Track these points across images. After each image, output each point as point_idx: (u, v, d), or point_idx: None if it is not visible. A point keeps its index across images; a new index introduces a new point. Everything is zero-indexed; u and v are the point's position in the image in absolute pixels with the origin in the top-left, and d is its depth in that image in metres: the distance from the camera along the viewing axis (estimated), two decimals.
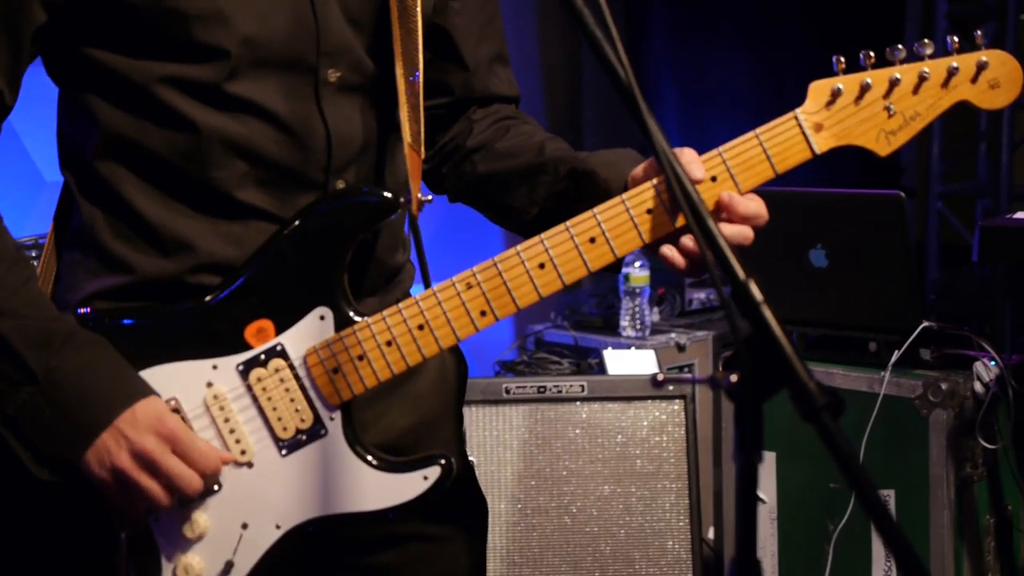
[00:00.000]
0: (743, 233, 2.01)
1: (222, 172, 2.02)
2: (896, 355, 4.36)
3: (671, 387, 4.38)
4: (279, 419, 2.07)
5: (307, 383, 2.07)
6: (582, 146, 6.95)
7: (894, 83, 2.00)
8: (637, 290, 5.61)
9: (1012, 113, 7.17)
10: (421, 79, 2.10)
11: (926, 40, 1.98)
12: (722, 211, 2.02)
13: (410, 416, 2.20)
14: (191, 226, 2.04)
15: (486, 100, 2.26)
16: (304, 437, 2.08)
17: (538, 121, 2.34)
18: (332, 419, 2.08)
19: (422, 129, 2.13)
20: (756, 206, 2.02)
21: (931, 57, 1.98)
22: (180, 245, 2.04)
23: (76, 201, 2.09)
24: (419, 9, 2.09)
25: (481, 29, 2.24)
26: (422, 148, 2.14)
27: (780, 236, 4.55)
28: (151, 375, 2.04)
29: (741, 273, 1.65)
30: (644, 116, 1.73)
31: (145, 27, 1.95)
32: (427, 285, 2.12)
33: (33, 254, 4.04)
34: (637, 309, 5.60)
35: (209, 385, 2.06)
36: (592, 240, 2.03)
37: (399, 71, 2.07)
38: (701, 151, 7.28)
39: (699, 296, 5.98)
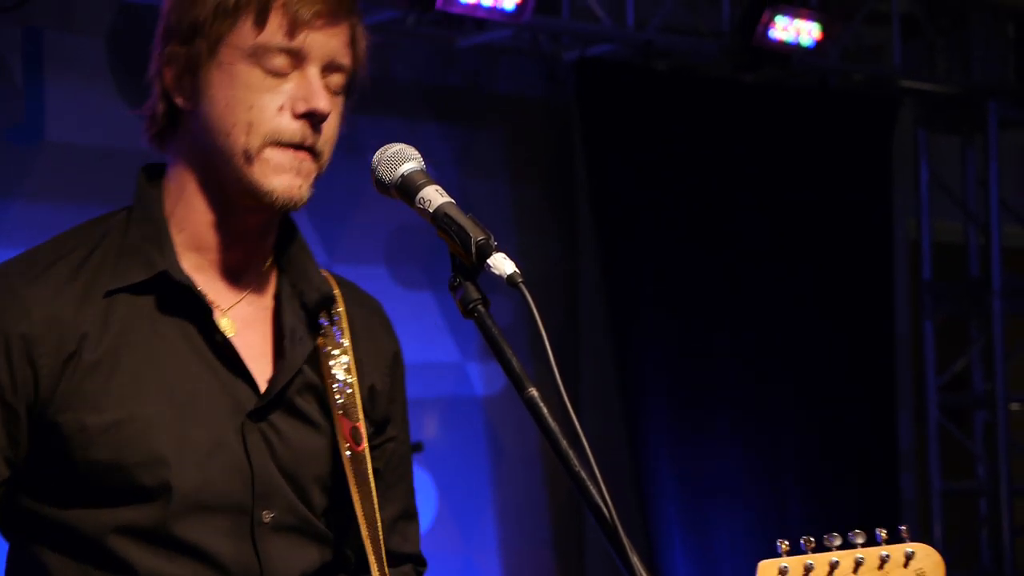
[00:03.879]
0: None
1: None
2: None
3: None
4: None
5: None
6: None
7: (834, 566, 2.16)
8: None
9: (1011, 499, 7.22)
10: (381, 536, 2.19)
11: (857, 530, 2.15)
12: None
13: None
14: None
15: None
16: None
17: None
18: None
19: None
20: None
21: (863, 545, 2.17)
22: None
23: None
24: (371, 475, 2.18)
25: (387, 491, 2.30)
26: None
27: None
28: None
29: None
30: (627, 553, 1.81)
31: (90, 481, 2.04)
32: None
33: None
34: None
35: None
36: None
37: (364, 531, 2.15)
38: (702, 545, 7.22)
39: None
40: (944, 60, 7.39)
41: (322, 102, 2.06)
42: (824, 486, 7.07)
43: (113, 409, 2.03)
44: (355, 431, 2.18)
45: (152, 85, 2.12)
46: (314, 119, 2.07)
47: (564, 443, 1.88)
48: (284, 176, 2.07)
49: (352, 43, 2.11)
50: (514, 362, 1.93)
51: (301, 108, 2.06)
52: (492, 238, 1.97)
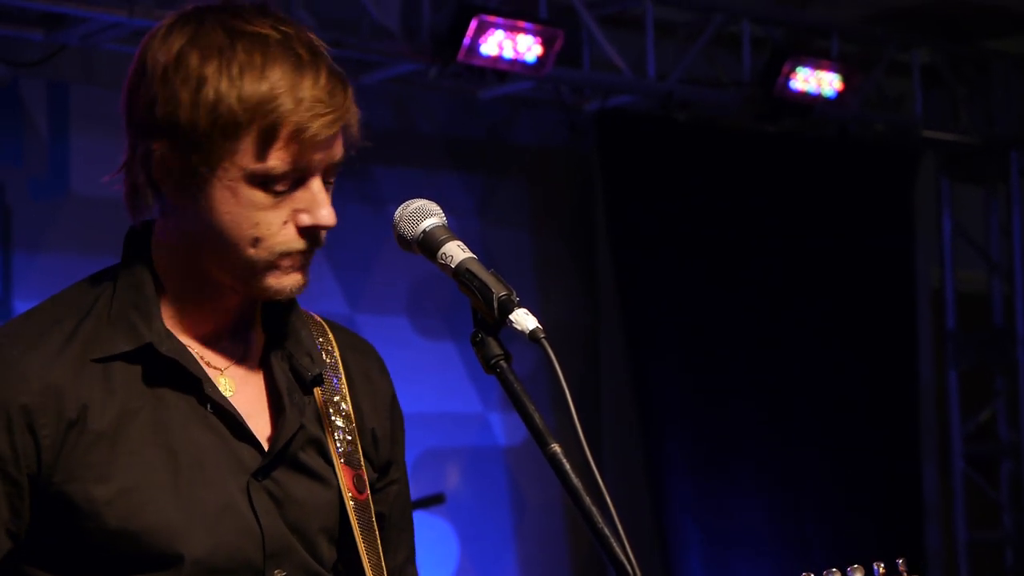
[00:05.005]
0: None
1: None
2: None
3: None
4: None
5: None
6: None
7: None
8: None
9: None
10: None
11: (856, 564, 2.10)
12: None
13: None
14: None
15: None
16: None
17: None
18: None
19: None
20: None
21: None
22: None
23: None
24: (374, 522, 2.16)
25: (396, 536, 2.29)
26: None
27: None
28: None
29: None
30: None
31: (99, 550, 2.01)
32: None
33: None
34: None
35: None
36: None
37: None
38: None
39: None
40: (966, 110, 7.39)
41: (326, 216, 2.02)
42: (848, 536, 7.02)
43: (120, 478, 2.01)
44: (358, 479, 2.16)
45: (129, 161, 2.05)
46: (318, 231, 2.04)
47: (587, 500, 1.87)
48: (291, 277, 2.05)
49: (346, 136, 2.05)
50: (536, 418, 1.92)
51: (306, 222, 2.02)
52: (514, 294, 1.96)
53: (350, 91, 2.03)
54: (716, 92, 6.80)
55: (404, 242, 2.06)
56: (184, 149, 1.98)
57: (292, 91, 1.96)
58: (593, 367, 6.96)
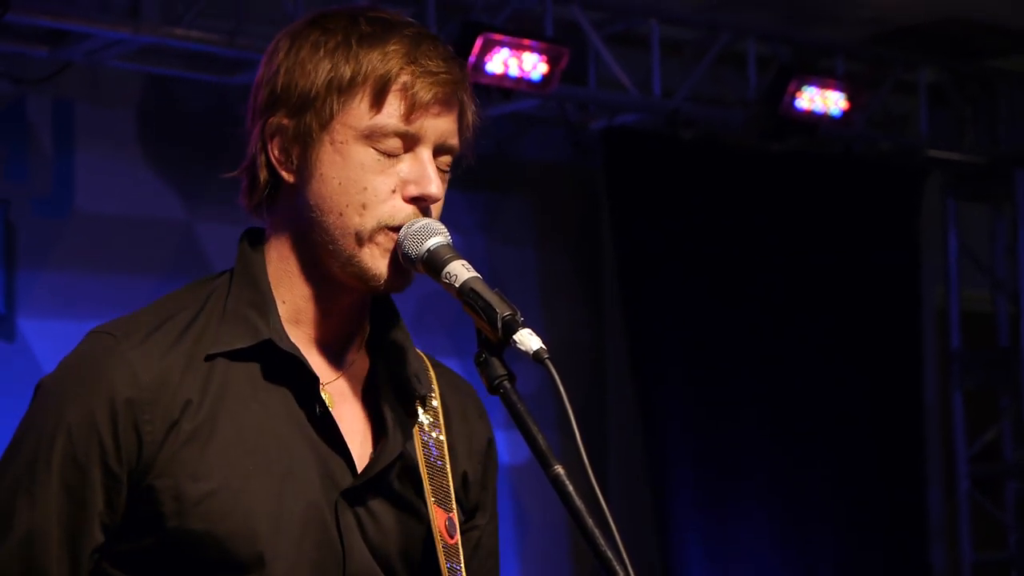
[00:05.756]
0: None
1: None
2: None
3: None
4: None
5: None
6: None
7: None
8: None
9: None
10: None
11: None
12: None
13: None
14: None
15: None
16: None
17: None
18: None
19: None
20: None
21: None
22: None
23: None
24: (463, 570, 2.12)
25: None
26: None
27: None
28: None
29: None
30: None
31: (181, 551, 1.98)
32: None
33: None
34: None
35: None
36: None
37: None
38: None
39: None
40: (971, 129, 7.39)
41: (434, 187, 2.02)
42: (854, 557, 7.00)
43: (209, 478, 1.98)
44: (449, 523, 2.12)
45: (251, 152, 2.06)
46: (425, 203, 2.04)
47: (590, 522, 1.86)
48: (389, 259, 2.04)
49: (462, 125, 2.07)
50: (540, 439, 1.90)
51: (413, 192, 2.02)
52: (518, 313, 1.94)
53: (467, 73, 2.06)
54: (722, 110, 6.80)
55: (408, 261, 2.03)
56: (299, 110, 2.01)
57: (407, 53, 2.00)
58: (598, 383, 6.95)
